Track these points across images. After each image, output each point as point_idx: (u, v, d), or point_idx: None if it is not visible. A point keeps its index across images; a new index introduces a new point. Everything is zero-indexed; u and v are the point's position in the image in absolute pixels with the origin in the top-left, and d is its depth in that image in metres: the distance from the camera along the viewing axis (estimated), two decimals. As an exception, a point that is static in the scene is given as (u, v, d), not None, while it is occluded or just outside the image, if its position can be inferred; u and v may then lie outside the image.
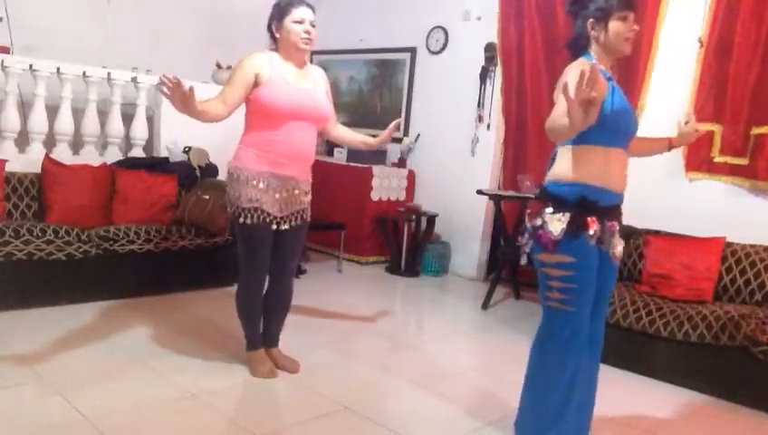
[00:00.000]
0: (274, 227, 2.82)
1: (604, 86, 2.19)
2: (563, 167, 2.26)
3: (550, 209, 2.24)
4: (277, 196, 2.79)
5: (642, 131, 2.51)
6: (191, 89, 2.43)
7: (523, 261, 2.39)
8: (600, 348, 2.48)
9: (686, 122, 2.57)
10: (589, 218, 2.21)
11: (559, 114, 2.03)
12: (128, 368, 2.92)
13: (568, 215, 2.21)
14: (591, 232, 2.21)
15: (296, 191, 2.86)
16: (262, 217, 2.78)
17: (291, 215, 2.87)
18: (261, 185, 2.75)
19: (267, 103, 2.70)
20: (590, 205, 2.22)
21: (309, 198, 2.96)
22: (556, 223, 2.21)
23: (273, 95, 2.70)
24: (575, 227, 2.20)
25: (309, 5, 2.78)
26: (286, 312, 3.12)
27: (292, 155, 2.78)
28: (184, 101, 2.44)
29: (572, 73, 2.08)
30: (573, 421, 2.37)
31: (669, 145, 2.59)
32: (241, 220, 2.77)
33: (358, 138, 3.19)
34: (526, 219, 2.34)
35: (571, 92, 1.89)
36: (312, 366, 3.13)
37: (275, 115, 2.72)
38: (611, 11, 2.22)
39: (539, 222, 2.26)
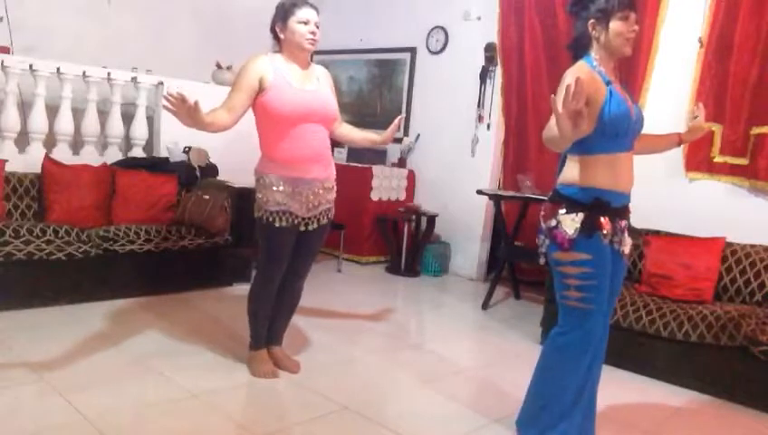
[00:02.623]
0: (302, 228, 2.84)
1: (601, 92, 2.20)
2: (573, 174, 2.29)
3: (563, 210, 2.27)
4: (303, 198, 2.80)
5: (643, 131, 2.52)
6: (196, 103, 2.43)
7: (542, 261, 2.41)
8: (605, 347, 2.48)
9: (696, 117, 2.58)
10: (602, 218, 2.25)
11: (552, 125, 2.05)
12: (128, 368, 2.92)
13: (581, 215, 2.24)
14: (605, 232, 2.26)
15: (321, 191, 2.86)
16: (291, 220, 2.79)
17: (318, 215, 2.88)
18: (287, 189, 2.76)
19: (273, 109, 2.69)
20: (604, 206, 2.26)
21: (333, 194, 2.96)
22: (570, 222, 2.25)
23: (278, 101, 2.68)
24: (588, 227, 2.24)
25: (313, 6, 2.77)
26: (293, 311, 3.13)
27: (309, 158, 2.78)
28: (190, 115, 2.43)
29: (568, 80, 2.10)
30: (580, 420, 2.38)
31: (679, 141, 2.62)
32: (277, 224, 2.77)
33: (362, 135, 3.18)
34: (540, 221, 2.36)
35: (559, 106, 1.92)
36: (313, 366, 3.13)
37: (283, 121, 2.71)
38: (612, 11, 2.22)
39: (553, 223, 2.29)
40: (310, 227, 2.86)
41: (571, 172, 2.30)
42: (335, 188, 2.96)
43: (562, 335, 2.36)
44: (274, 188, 2.76)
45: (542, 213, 2.36)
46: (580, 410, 2.36)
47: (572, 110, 1.91)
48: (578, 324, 2.31)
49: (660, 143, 2.67)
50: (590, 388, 2.41)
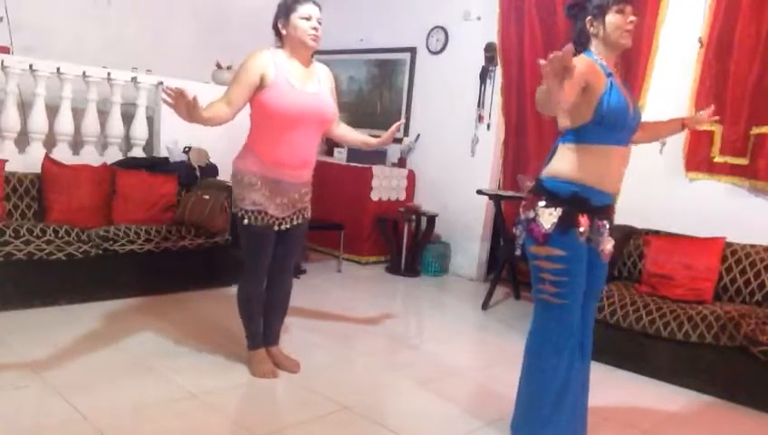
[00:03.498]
0: (277, 228, 2.84)
1: (602, 81, 2.20)
2: (561, 165, 2.29)
3: (542, 203, 2.28)
4: (278, 200, 2.80)
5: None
6: (195, 98, 2.42)
7: (518, 252, 2.43)
8: (590, 346, 2.49)
9: (702, 110, 2.62)
10: (579, 216, 2.25)
11: (543, 86, 2.03)
12: (128, 368, 2.92)
13: (559, 210, 2.24)
14: (581, 229, 2.25)
15: (297, 196, 2.87)
16: (265, 220, 2.80)
17: (293, 214, 2.88)
18: (264, 190, 2.76)
19: (271, 108, 2.68)
20: (582, 202, 2.25)
21: (309, 195, 2.97)
22: (547, 216, 2.25)
23: (277, 101, 2.67)
24: (565, 223, 2.24)
25: (315, 3, 2.76)
26: (286, 310, 3.13)
27: (296, 164, 2.79)
28: (189, 110, 2.43)
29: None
30: (568, 419, 2.37)
31: (682, 126, 2.66)
32: (245, 222, 2.78)
33: (359, 138, 3.19)
34: (520, 211, 2.37)
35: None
36: (312, 366, 3.13)
37: (280, 121, 2.70)
38: (608, 5, 2.24)
39: (531, 214, 2.30)
40: (283, 227, 2.86)
41: (559, 163, 2.29)
42: (310, 190, 2.97)
43: (539, 331, 2.36)
44: (252, 187, 2.76)
45: (523, 203, 2.37)
46: (566, 412, 2.35)
47: (558, 65, 1.81)
48: (552, 319, 2.32)
49: (663, 129, 2.71)
50: (575, 389, 2.39)
